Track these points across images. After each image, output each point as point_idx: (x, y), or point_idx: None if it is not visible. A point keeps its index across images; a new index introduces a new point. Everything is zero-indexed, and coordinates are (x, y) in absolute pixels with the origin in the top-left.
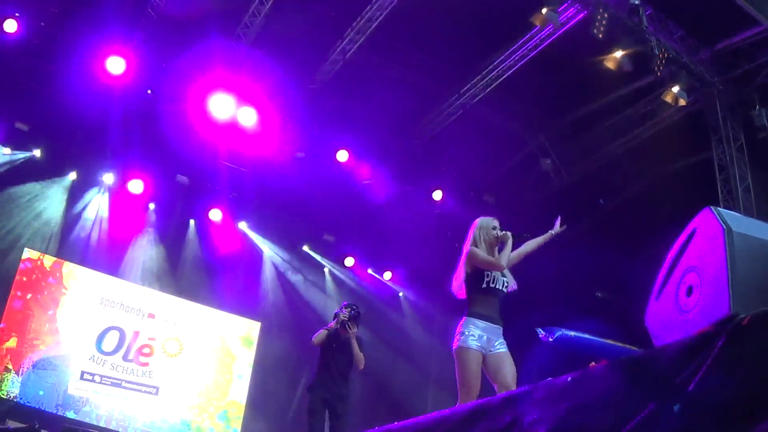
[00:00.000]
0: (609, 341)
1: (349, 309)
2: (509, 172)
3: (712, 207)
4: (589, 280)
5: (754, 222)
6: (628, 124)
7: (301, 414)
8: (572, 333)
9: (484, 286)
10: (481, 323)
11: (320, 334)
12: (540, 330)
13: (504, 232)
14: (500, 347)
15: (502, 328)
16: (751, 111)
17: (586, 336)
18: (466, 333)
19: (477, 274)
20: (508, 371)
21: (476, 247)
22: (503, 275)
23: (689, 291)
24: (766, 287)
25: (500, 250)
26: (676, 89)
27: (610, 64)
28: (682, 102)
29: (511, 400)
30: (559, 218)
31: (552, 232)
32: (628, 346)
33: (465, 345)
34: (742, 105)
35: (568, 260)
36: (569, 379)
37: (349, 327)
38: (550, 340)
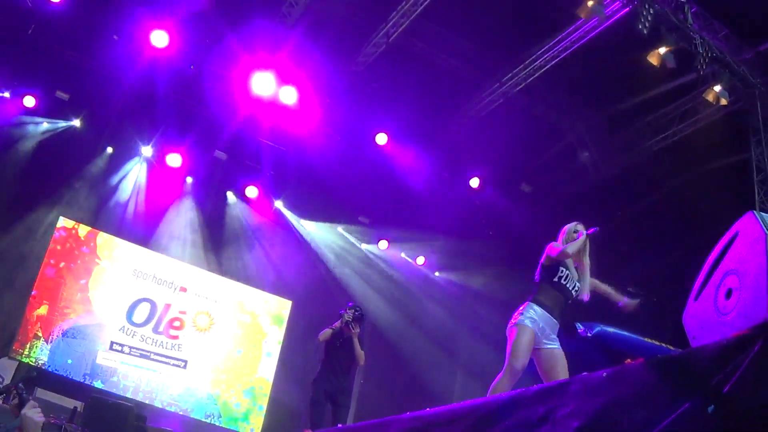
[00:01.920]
0: (647, 339)
1: (353, 310)
2: (547, 163)
3: (755, 211)
4: (622, 275)
5: None
6: (667, 120)
7: None
8: (611, 329)
9: (555, 279)
10: (540, 311)
11: (326, 333)
12: (579, 324)
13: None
14: (553, 343)
15: (558, 326)
16: None
17: (625, 333)
18: (525, 314)
19: (552, 268)
20: (561, 371)
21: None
22: (577, 279)
23: (728, 294)
24: None
25: None
26: (717, 88)
27: (653, 60)
28: (723, 101)
29: (546, 393)
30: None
31: (624, 302)
32: (665, 345)
33: (522, 323)
34: None
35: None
36: (604, 374)
37: (352, 327)
38: (589, 335)
